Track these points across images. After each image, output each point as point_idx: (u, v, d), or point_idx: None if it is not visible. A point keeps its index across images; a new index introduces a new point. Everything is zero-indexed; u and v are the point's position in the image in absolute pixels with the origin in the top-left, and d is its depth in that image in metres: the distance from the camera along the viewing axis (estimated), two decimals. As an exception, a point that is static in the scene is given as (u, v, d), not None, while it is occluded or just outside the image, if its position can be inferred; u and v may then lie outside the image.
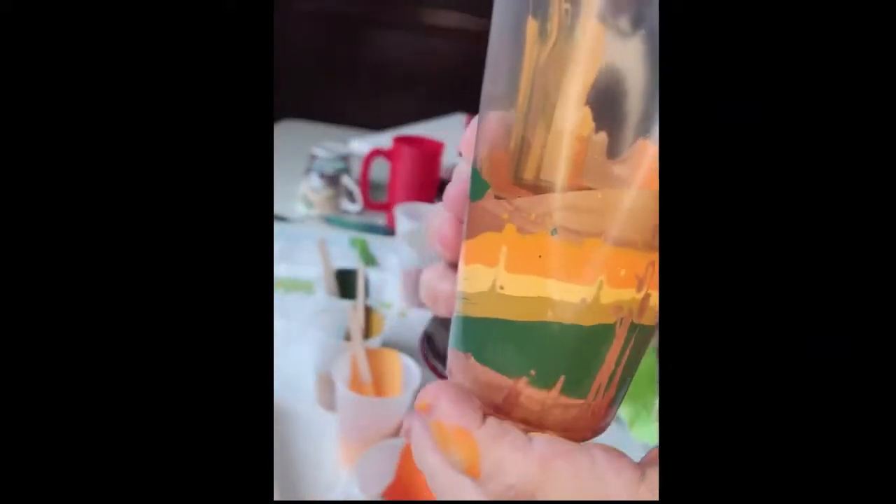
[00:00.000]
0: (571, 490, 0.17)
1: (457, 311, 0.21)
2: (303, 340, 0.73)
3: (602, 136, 0.18)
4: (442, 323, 0.76)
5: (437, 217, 0.22)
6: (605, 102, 0.17)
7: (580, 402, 0.19)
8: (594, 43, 0.17)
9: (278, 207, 1.05)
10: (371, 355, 0.59)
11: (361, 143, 1.18)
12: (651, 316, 0.19)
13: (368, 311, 0.66)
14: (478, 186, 0.20)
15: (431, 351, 0.70)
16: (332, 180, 1.05)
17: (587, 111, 0.17)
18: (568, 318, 0.18)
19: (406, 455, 0.51)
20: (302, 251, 0.92)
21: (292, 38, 2.26)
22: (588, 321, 0.18)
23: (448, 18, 2.23)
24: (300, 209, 1.06)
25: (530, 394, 0.19)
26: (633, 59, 0.17)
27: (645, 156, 0.18)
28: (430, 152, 1.03)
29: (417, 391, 0.55)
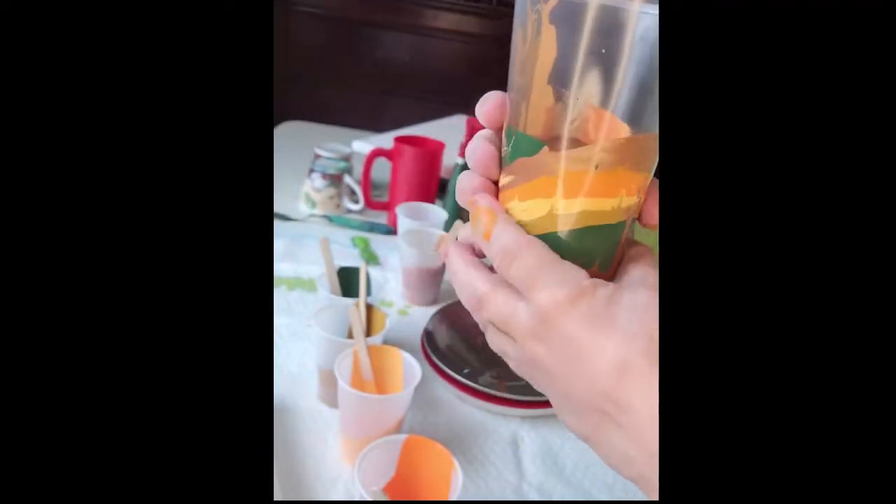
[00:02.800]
0: (536, 257, 0.27)
1: None
2: (305, 338, 0.74)
3: (560, 106, 0.26)
4: (442, 321, 0.77)
5: (468, 178, 0.31)
6: (560, 82, 0.26)
7: (606, 274, 0.29)
8: (549, 41, 0.26)
9: (282, 207, 1.05)
10: (373, 352, 0.60)
11: (363, 144, 1.18)
12: (637, 210, 0.29)
13: (370, 309, 0.66)
14: (532, 147, 0.28)
15: (432, 348, 0.71)
16: (335, 180, 1.06)
17: (548, 89, 0.26)
18: (602, 220, 0.28)
19: (407, 451, 0.52)
20: (305, 250, 0.92)
21: (295, 38, 2.26)
22: (614, 220, 0.28)
23: (449, 21, 2.23)
24: (303, 208, 1.07)
25: None
26: (575, 51, 0.25)
27: (591, 117, 0.26)
28: (430, 152, 1.03)
29: (417, 388, 0.56)
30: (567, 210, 0.27)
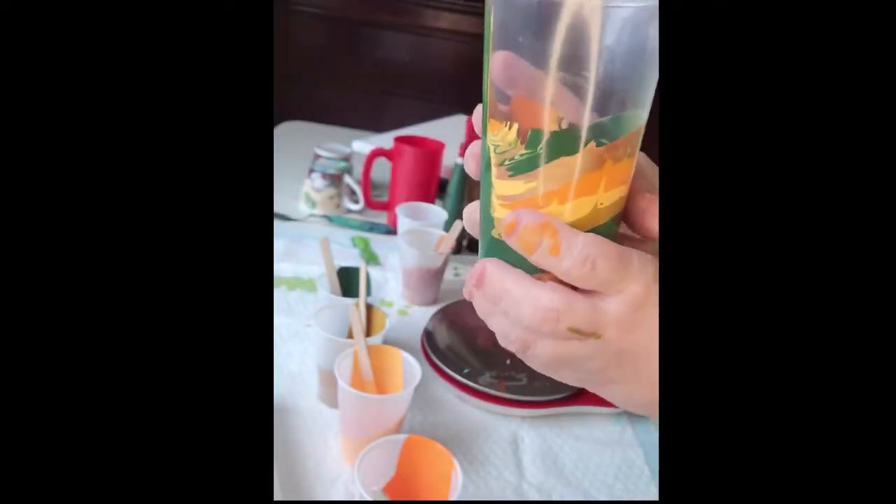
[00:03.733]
0: (613, 253, 0.26)
1: None
2: (305, 338, 0.74)
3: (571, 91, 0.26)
4: (442, 321, 0.77)
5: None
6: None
7: None
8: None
9: (282, 207, 1.05)
10: (372, 352, 0.60)
11: (363, 144, 1.18)
12: None
13: (370, 309, 0.66)
14: (575, 143, 0.26)
15: (432, 348, 0.71)
16: (335, 180, 1.06)
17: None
18: (622, 206, 0.29)
19: (407, 451, 0.52)
20: (305, 250, 0.92)
21: (295, 38, 2.26)
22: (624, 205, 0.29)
23: (449, 21, 2.23)
24: (303, 208, 1.07)
25: None
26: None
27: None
28: (430, 152, 1.03)
29: (417, 388, 0.56)
30: (608, 201, 0.27)
